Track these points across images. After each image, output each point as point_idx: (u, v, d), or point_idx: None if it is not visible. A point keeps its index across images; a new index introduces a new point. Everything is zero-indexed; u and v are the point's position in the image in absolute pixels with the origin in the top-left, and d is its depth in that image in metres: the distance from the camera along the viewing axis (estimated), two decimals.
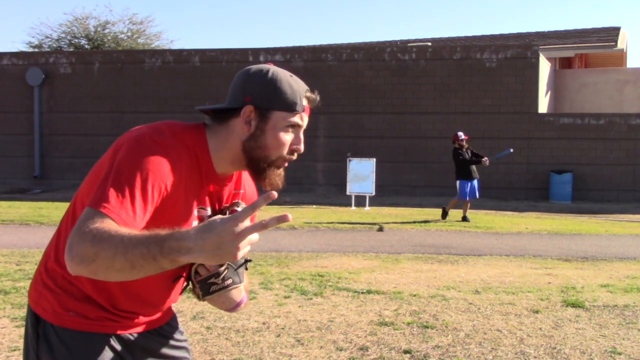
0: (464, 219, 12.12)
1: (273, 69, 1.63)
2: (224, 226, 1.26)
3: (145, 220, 1.47)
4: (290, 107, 1.59)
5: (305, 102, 1.63)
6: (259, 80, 1.60)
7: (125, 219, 1.40)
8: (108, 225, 1.36)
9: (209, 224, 1.28)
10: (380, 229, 10.69)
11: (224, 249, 1.26)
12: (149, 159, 1.49)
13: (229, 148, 1.62)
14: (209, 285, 1.65)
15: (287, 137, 1.61)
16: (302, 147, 1.64)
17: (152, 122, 1.63)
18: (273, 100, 1.58)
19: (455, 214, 12.51)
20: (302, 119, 1.63)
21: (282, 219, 1.28)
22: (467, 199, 12.11)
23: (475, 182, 12.25)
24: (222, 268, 1.64)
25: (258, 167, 1.62)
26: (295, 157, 1.66)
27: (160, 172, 1.50)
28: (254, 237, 1.30)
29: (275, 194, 1.34)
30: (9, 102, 19.58)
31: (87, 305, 1.63)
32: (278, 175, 1.65)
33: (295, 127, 1.62)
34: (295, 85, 1.62)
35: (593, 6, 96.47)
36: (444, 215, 12.38)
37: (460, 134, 12.45)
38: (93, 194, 1.46)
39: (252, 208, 1.29)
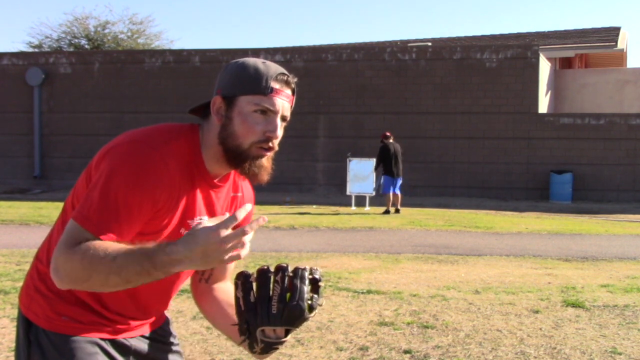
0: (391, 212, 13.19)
1: (244, 59, 1.59)
2: (208, 237, 1.32)
3: (131, 235, 1.48)
4: (253, 89, 1.51)
5: (276, 85, 1.53)
6: (227, 70, 1.58)
7: (110, 238, 1.43)
8: (94, 245, 1.39)
9: (193, 236, 1.34)
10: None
11: (212, 257, 1.34)
12: (139, 172, 1.46)
13: (211, 144, 1.58)
14: (271, 349, 1.62)
15: (256, 122, 1.52)
16: (277, 133, 1.53)
17: (147, 127, 1.59)
18: (237, 85, 1.53)
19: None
20: (273, 103, 1.52)
21: (260, 221, 1.37)
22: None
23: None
24: (288, 337, 1.61)
25: (234, 158, 1.55)
26: (272, 145, 1.55)
27: (150, 186, 1.47)
28: (247, 239, 1.36)
29: (265, 218, 1.38)
30: (9, 102, 19.58)
31: (80, 309, 1.60)
32: (259, 167, 1.56)
33: (267, 111, 1.52)
34: (262, 69, 1.53)
35: (593, 6, 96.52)
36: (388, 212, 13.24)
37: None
38: (80, 204, 1.47)
39: (234, 219, 1.34)
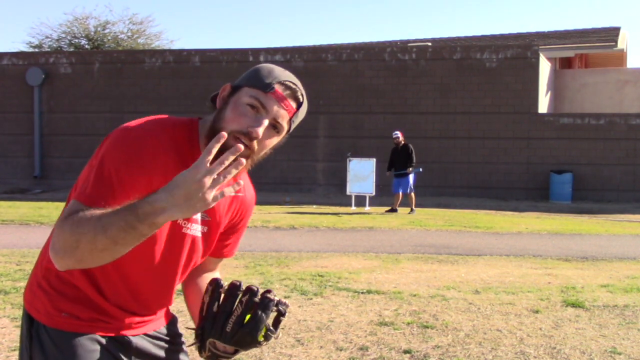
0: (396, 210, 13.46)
1: (268, 63, 1.62)
2: (187, 178, 1.30)
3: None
4: (257, 83, 1.53)
5: (279, 88, 1.53)
6: (251, 68, 1.61)
7: (104, 207, 1.43)
8: (83, 212, 1.40)
9: (174, 180, 1.32)
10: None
11: (195, 198, 1.31)
12: (131, 151, 1.49)
13: (208, 133, 1.58)
14: (217, 359, 1.61)
15: (245, 112, 1.51)
16: (259, 131, 1.49)
17: (146, 117, 1.62)
18: (247, 78, 1.57)
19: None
20: (268, 102, 1.51)
21: (238, 147, 1.34)
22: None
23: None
24: (236, 356, 1.60)
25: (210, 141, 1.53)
26: (250, 141, 1.50)
27: (144, 163, 1.50)
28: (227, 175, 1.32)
29: (225, 133, 1.34)
30: (9, 102, 19.59)
31: (80, 306, 1.61)
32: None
33: (260, 108, 1.51)
34: (275, 71, 1.56)
35: (593, 6, 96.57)
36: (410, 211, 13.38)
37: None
38: (79, 186, 1.51)
39: (207, 152, 1.31)
